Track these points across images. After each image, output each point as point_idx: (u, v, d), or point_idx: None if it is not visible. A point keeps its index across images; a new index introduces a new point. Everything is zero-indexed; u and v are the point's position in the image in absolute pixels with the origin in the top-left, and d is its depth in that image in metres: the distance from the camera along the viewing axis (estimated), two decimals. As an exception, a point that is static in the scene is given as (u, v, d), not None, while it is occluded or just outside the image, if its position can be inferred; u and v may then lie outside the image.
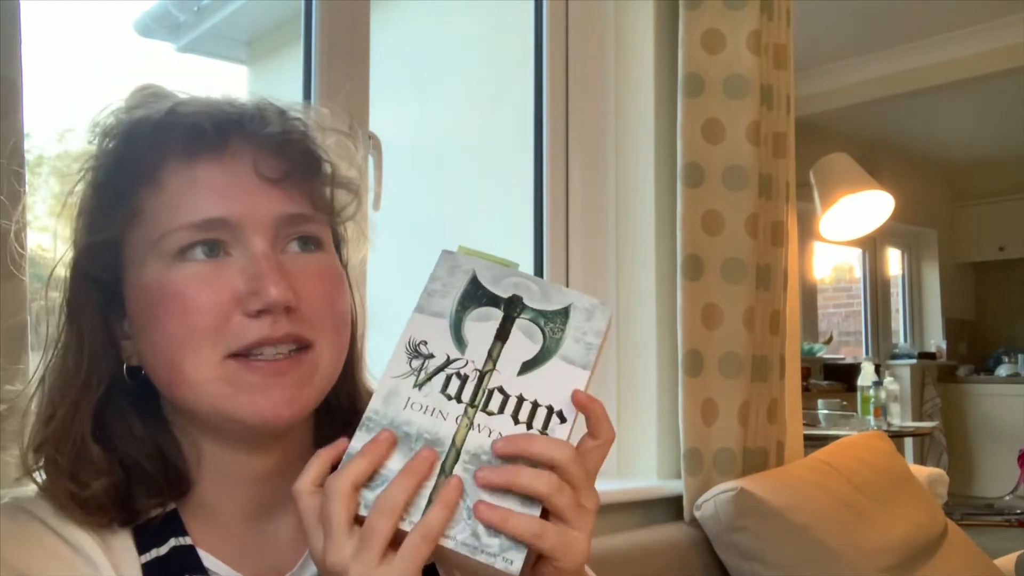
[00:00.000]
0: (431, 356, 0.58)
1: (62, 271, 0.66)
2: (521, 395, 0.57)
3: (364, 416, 0.57)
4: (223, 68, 3.29)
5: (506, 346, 0.59)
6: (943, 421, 5.89)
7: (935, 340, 6.31)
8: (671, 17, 1.68)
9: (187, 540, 0.64)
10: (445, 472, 0.55)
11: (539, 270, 1.71)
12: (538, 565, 0.56)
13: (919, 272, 6.48)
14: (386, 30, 1.91)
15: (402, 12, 2.45)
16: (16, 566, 0.58)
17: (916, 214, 5.91)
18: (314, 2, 1.37)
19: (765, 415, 1.65)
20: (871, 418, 3.88)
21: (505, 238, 1.97)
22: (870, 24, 4.03)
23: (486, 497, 0.54)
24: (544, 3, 1.74)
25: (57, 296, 0.66)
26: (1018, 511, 4.54)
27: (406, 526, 0.53)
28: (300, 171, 0.65)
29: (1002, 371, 6.27)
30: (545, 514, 0.55)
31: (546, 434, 0.56)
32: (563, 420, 0.57)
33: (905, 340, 6.35)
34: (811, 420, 3.70)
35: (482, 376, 0.57)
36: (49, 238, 0.67)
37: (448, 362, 0.58)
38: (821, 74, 4.56)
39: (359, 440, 0.56)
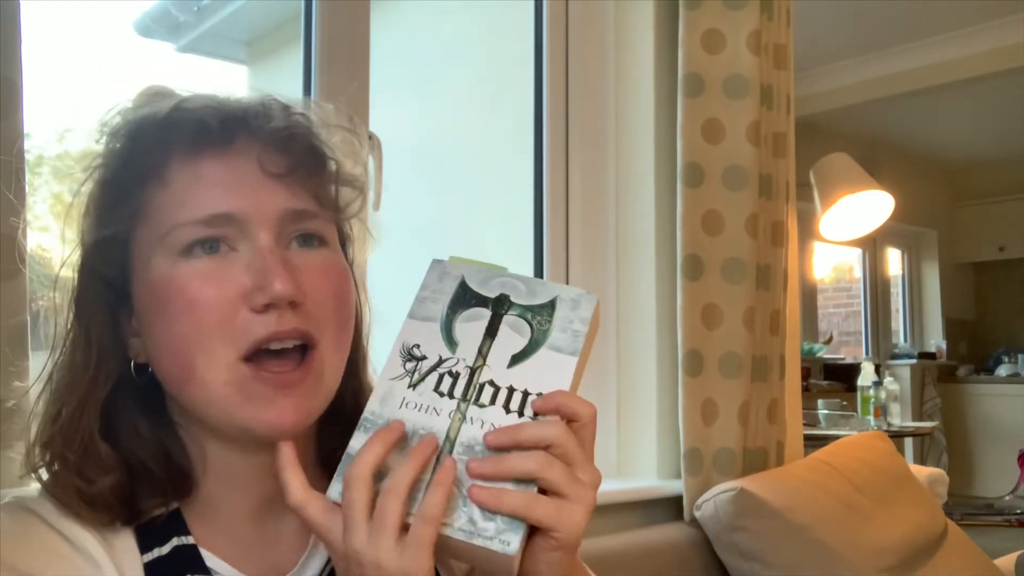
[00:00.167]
0: (424, 358, 0.60)
1: (68, 270, 0.66)
2: (511, 386, 0.59)
3: (362, 417, 0.58)
4: (223, 68, 3.29)
5: (495, 342, 0.60)
6: (943, 421, 5.89)
7: (935, 340, 6.31)
8: (671, 17, 1.68)
9: (189, 539, 0.64)
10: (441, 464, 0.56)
11: (539, 270, 1.71)
12: (536, 539, 0.55)
13: (919, 272, 6.48)
14: (386, 30, 1.91)
15: (402, 12, 2.45)
16: (17, 565, 0.58)
17: (916, 214, 5.91)
18: (314, 2, 1.37)
19: (765, 415, 1.65)
20: (871, 418, 3.88)
21: (505, 238, 1.97)
22: (870, 24, 4.03)
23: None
24: (544, 3, 1.73)
25: (63, 294, 0.66)
26: (1018, 511, 4.54)
27: (410, 519, 0.54)
28: (305, 167, 0.65)
29: (1002, 371, 6.27)
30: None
31: (537, 420, 0.58)
32: None
33: (905, 340, 6.35)
34: (811, 420, 3.70)
35: (473, 372, 0.59)
36: (49, 238, 0.67)
37: (440, 362, 0.60)
38: (821, 74, 4.57)
39: (358, 440, 0.57)
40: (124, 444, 0.64)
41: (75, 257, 0.66)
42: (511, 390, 0.58)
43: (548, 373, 0.59)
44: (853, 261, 6.23)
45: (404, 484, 0.53)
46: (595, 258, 1.73)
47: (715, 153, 1.61)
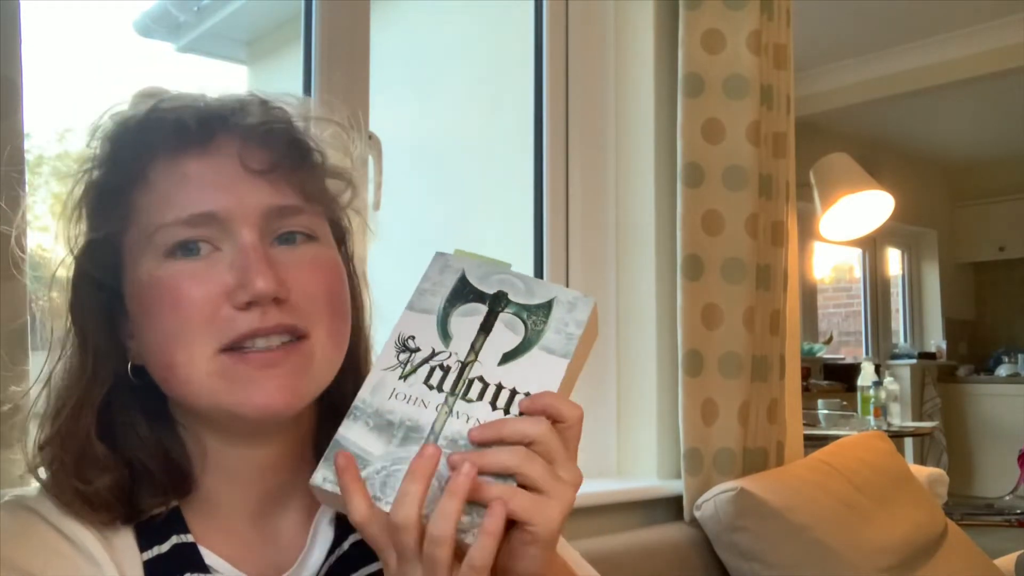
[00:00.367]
0: (417, 350, 0.60)
1: (64, 272, 0.66)
2: (500, 383, 0.59)
3: (352, 405, 0.59)
4: (223, 68, 3.29)
5: (488, 339, 0.61)
6: (943, 421, 5.89)
7: (935, 340, 6.32)
8: (671, 17, 1.68)
9: (189, 537, 0.65)
10: None
11: (539, 270, 1.71)
12: (512, 532, 0.55)
13: (919, 272, 6.48)
14: (386, 30, 1.91)
15: (402, 12, 2.46)
16: (17, 563, 0.58)
17: (916, 214, 5.91)
18: (314, 2, 1.37)
19: (765, 415, 1.66)
20: (871, 418, 3.88)
21: (505, 238, 1.97)
22: (870, 24, 4.04)
23: None
24: (544, 3, 1.74)
25: (60, 297, 0.66)
26: (1018, 511, 4.54)
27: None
28: (288, 161, 0.65)
29: (1002, 371, 6.27)
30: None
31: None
32: None
33: (905, 340, 6.35)
34: (811, 420, 3.70)
35: (463, 367, 0.59)
36: (49, 238, 0.67)
37: (433, 355, 0.60)
38: (821, 74, 4.57)
39: (346, 428, 0.58)
40: (123, 444, 0.65)
41: (70, 260, 0.66)
42: (499, 387, 0.58)
43: (538, 373, 0.59)
44: (853, 261, 6.24)
45: (449, 532, 0.52)
46: (595, 258, 1.73)
47: (715, 153, 1.61)
